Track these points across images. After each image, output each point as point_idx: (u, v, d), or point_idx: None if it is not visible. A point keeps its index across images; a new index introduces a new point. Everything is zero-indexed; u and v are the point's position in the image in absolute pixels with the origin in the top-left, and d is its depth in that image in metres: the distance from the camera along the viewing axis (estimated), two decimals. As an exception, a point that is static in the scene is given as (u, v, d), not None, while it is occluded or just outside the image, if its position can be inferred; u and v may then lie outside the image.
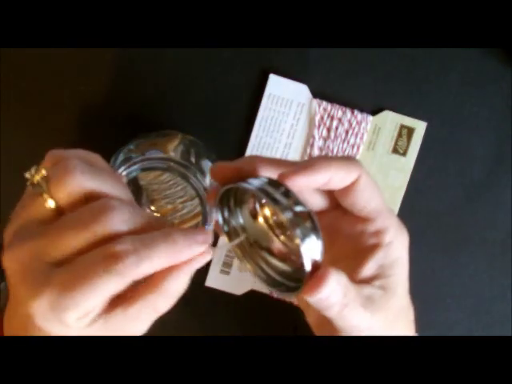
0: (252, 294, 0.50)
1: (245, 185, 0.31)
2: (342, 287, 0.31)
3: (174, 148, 0.44)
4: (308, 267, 0.30)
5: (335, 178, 0.33)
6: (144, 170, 0.41)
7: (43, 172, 0.31)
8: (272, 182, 0.31)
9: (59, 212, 0.30)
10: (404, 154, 0.50)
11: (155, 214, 0.46)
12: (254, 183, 0.31)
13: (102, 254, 0.28)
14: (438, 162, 0.50)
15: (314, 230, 0.30)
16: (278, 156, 0.50)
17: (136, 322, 0.30)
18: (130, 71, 0.50)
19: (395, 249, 0.35)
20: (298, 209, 0.30)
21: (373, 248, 0.34)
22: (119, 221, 0.29)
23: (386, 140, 0.50)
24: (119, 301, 0.29)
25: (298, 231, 0.30)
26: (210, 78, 0.50)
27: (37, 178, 0.30)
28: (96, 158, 0.33)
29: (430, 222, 0.50)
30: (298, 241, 0.29)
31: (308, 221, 0.30)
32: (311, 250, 0.30)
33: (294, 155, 0.50)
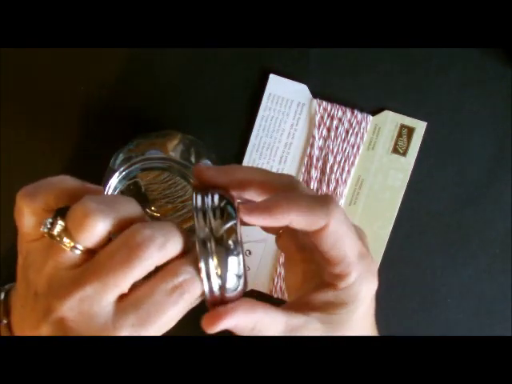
0: (252, 294, 0.50)
1: (194, 198, 0.30)
2: (248, 322, 0.31)
3: (173, 148, 0.44)
4: (207, 296, 0.30)
5: (296, 224, 0.31)
6: (144, 169, 0.41)
7: (61, 223, 0.30)
8: (223, 199, 0.31)
9: (88, 252, 0.30)
10: (404, 153, 0.50)
11: (155, 214, 0.46)
12: (207, 199, 0.31)
13: (166, 288, 0.29)
14: (437, 161, 0.50)
15: (233, 252, 0.30)
16: (278, 156, 0.50)
17: None
18: (130, 71, 0.50)
19: (352, 294, 0.33)
20: (223, 229, 0.29)
21: (328, 285, 0.33)
22: (158, 247, 0.29)
23: (385, 140, 0.50)
24: None
25: (200, 256, 0.29)
26: (210, 78, 0.50)
27: (57, 230, 0.30)
28: (72, 180, 0.33)
29: (430, 221, 0.50)
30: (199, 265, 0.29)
31: (229, 250, 0.29)
32: (214, 277, 0.29)
33: (294, 155, 0.50)
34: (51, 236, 0.30)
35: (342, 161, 0.50)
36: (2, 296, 0.33)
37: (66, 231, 0.30)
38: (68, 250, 0.30)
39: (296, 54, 0.50)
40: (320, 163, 0.50)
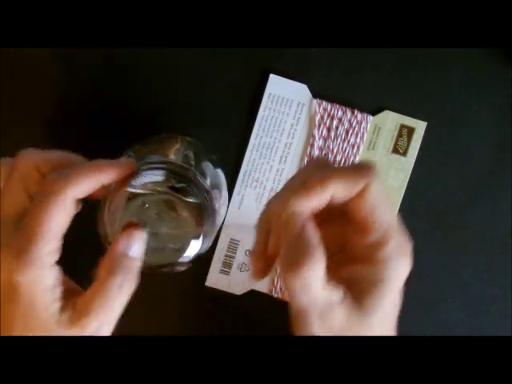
0: (252, 294, 0.50)
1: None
2: None
3: (174, 151, 0.44)
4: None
5: (337, 193, 0.30)
6: None
7: None
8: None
9: None
10: (404, 153, 0.50)
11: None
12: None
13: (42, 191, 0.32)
14: (437, 161, 0.50)
15: None
16: (278, 156, 0.50)
17: None
18: (130, 71, 0.50)
19: (388, 268, 0.31)
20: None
21: (361, 259, 0.32)
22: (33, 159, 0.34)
23: (385, 140, 0.50)
24: None
25: None
26: (209, 78, 0.50)
27: None
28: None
29: (430, 222, 0.50)
30: None
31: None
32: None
33: (293, 155, 0.50)
34: None
35: (342, 161, 0.50)
36: None
37: None
38: None
39: (296, 53, 0.50)
40: (320, 163, 0.50)
